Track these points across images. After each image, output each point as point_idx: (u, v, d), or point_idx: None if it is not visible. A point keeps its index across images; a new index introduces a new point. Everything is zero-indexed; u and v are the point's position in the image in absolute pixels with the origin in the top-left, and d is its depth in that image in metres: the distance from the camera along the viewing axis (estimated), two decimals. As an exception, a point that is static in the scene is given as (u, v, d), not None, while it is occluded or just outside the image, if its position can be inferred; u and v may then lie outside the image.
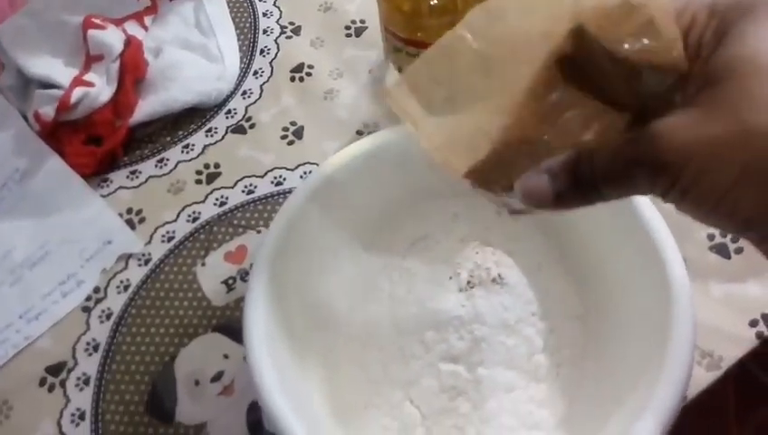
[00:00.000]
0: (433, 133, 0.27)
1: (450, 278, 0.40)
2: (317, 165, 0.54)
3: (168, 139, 0.58)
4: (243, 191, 0.54)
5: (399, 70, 0.50)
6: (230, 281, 0.49)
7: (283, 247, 0.40)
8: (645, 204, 0.37)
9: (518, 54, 0.25)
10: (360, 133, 0.56)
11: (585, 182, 0.24)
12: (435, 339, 0.39)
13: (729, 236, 0.46)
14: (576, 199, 0.25)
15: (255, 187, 0.54)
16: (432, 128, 0.27)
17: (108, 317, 0.48)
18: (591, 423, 0.36)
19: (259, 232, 0.51)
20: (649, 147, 0.22)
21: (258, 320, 0.37)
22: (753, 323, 0.42)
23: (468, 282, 0.40)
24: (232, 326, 0.46)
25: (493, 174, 0.27)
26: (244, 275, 0.49)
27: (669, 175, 0.22)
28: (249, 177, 0.54)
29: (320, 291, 0.42)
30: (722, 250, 0.45)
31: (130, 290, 0.50)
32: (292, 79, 0.60)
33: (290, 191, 0.53)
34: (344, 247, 0.44)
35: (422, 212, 0.45)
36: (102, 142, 0.56)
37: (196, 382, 0.44)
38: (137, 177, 0.56)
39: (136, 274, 0.50)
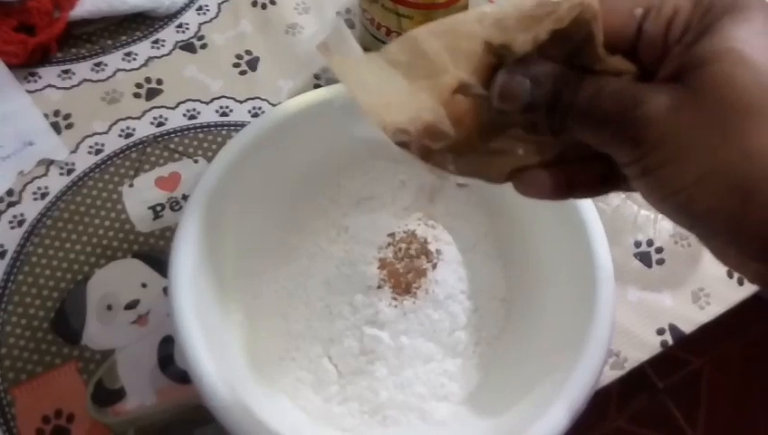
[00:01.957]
0: (367, 81, 0.26)
1: (388, 246, 0.40)
2: (268, 102, 0.52)
3: (110, 42, 0.54)
4: (184, 115, 0.51)
5: (371, 21, 0.48)
6: (158, 208, 0.46)
7: (224, 187, 0.38)
8: (586, 203, 0.38)
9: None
10: (317, 78, 0.53)
11: (561, 106, 0.23)
12: (364, 303, 0.39)
13: (654, 247, 0.48)
14: (542, 119, 0.24)
15: (199, 113, 0.51)
16: (366, 77, 0.26)
17: (20, 224, 0.45)
18: (499, 402, 0.37)
19: (196, 161, 0.48)
20: (633, 113, 0.21)
21: (187, 255, 0.35)
22: (660, 332, 0.45)
23: (405, 252, 0.40)
24: (154, 255, 0.44)
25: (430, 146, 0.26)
26: (174, 205, 0.46)
27: (639, 149, 0.21)
28: (193, 100, 0.51)
29: (255, 238, 0.41)
30: (645, 258, 0.48)
31: (48, 199, 0.46)
32: (254, 4, 0.57)
33: (235, 124, 0.51)
34: (287, 197, 0.43)
35: (371, 173, 0.44)
36: (36, 33, 0.51)
37: (109, 307, 0.43)
38: (69, 78, 0.52)
39: (56, 182, 0.47)
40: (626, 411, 1.04)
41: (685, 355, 1.09)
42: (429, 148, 0.25)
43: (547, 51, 0.23)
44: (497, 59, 0.24)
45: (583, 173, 0.26)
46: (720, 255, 0.23)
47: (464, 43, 0.24)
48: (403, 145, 0.25)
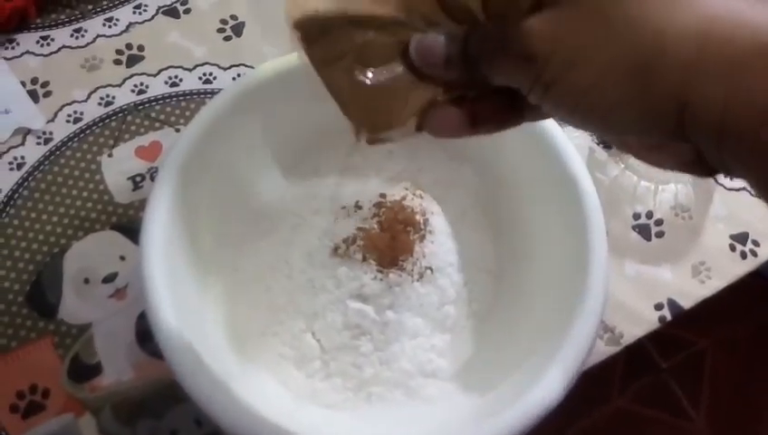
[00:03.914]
0: None
1: (374, 217, 0.38)
2: (253, 69, 0.50)
3: (90, 7, 0.52)
4: (166, 82, 0.49)
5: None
6: (138, 178, 0.45)
7: (199, 153, 0.36)
8: (583, 174, 0.37)
9: None
10: (304, 43, 0.51)
11: (470, 57, 0.24)
12: (348, 276, 0.37)
13: (653, 219, 0.46)
14: (462, 72, 0.25)
15: (181, 80, 0.49)
16: None
17: (-6, 195, 0.44)
18: (489, 378, 0.36)
19: (178, 130, 0.47)
20: (516, 36, 0.22)
21: (159, 225, 0.34)
22: (659, 307, 0.43)
23: (391, 223, 0.38)
24: (133, 227, 0.43)
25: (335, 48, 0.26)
26: (154, 175, 0.45)
27: (534, 67, 0.22)
28: (176, 67, 0.50)
29: (234, 207, 0.40)
30: (644, 231, 0.46)
31: (24, 169, 0.45)
32: (240, -33, 0.55)
33: (218, 92, 0.49)
34: (267, 164, 0.41)
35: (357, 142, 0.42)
36: (12, -3, 0.49)
37: (86, 280, 0.41)
38: (48, 44, 0.50)
39: (33, 152, 0.45)
40: (629, 392, 1.03)
41: (689, 335, 1.08)
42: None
43: None
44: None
45: (487, 108, 0.26)
46: (648, 154, 0.24)
47: None
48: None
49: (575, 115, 0.22)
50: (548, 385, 0.31)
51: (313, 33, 0.26)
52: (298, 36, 0.26)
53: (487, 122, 0.26)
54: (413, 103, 0.26)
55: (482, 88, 0.25)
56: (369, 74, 0.26)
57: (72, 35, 0.51)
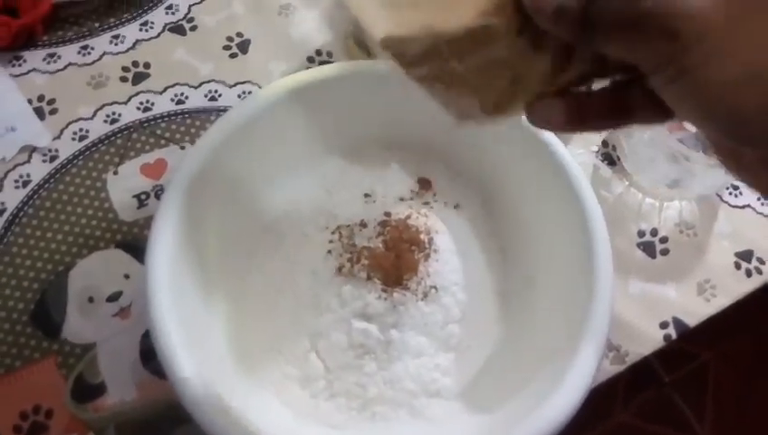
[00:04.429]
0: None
1: (378, 235, 0.38)
2: (259, 86, 0.50)
3: (97, 25, 0.52)
4: (172, 100, 0.49)
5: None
6: (143, 196, 0.45)
7: (205, 172, 0.36)
8: (587, 192, 0.37)
9: None
10: (311, 60, 0.52)
11: (592, 14, 0.21)
12: (353, 295, 0.37)
13: (658, 236, 0.46)
14: (571, 28, 0.21)
15: (187, 97, 0.49)
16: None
17: (0, 213, 0.44)
18: (494, 397, 0.36)
19: (183, 148, 0.47)
20: (668, 6, 0.19)
21: (165, 243, 0.34)
22: (664, 325, 0.43)
23: (396, 241, 0.38)
24: (138, 245, 0.43)
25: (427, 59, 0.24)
26: (159, 193, 0.45)
27: (672, 45, 0.19)
28: (181, 85, 0.50)
29: (240, 225, 0.40)
30: (648, 248, 0.46)
31: (30, 187, 0.45)
32: (246, -15, 0.55)
33: (224, 109, 0.49)
34: (273, 182, 0.41)
35: (362, 159, 0.42)
36: (20, 14, 0.50)
37: (90, 299, 0.41)
38: (55, 61, 0.50)
39: (38, 170, 0.46)
40: (632, 405, 1.02)
41: (692, 349, 1.07)
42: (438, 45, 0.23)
43: None
44: None
45: (594, 103, 0.24)
46: (762, 172, 0.21)
47: None
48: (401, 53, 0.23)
49: (703, 112, 0.20)
50: (555, 406, 0.31)
51: (405, 55, 0.24)
52: (388, 55, 0.24)
53: (594, 119, 0.24)
54: (514, 96, 0.25)
55: (585, 61, 0.23)
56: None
57: (78, 52, 0.51)
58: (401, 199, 0.42)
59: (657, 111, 0.22)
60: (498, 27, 0.22)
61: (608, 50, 0.21)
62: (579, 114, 0.24)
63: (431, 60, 0.24)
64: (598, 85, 0.25)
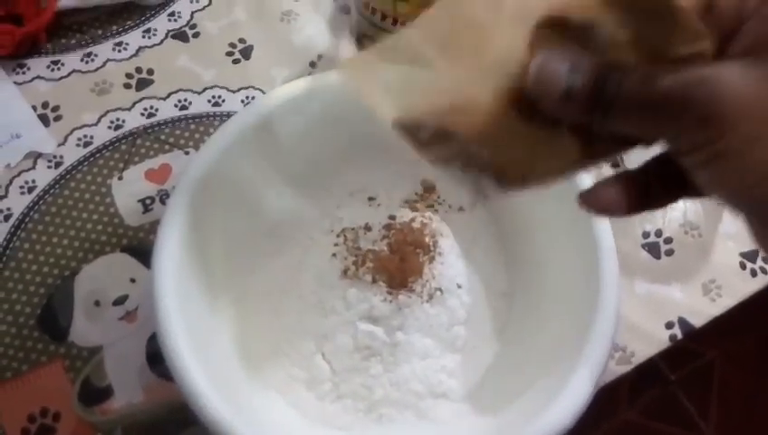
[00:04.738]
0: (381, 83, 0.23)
1: (383, 238, 0.38)
2: (261, 91, 0.50)
3: (100, 32, 0.53)
4: (175, 105, 0.49)
5: (366, 6, 0.47)
6: (148, 201, 0.45)
7: (211, 177, 0.36)
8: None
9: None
10: (313, 65, 0.52)
11: (604, 96, 0.20)
12: (358, 298, 0.37)
13: (663, 237, 0.46)
14: (581, 111, 0.20)
15: (190, 103, 0.49)
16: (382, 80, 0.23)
17: (6, 218, 0.44)
18: (500, 399, 0.36)
19: (187, 153, 0.47)
20: (698, 89, 0.18)
21: (171, 247, 0.34)
22: (669, 326, 0.43)
23: (401, 244, 0.38)
24: (143, 249, 0.43)
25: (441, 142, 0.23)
26: (164, 197, 0.45)
27: (710, 131, 0.18)
28: (185, 90, 0.50)
29: (246, 228, 0.40)
30: (653, 249, 0.46)
31: (35, 193, 0.45)
32: (248, -9, 0.55)
33: (227, 114, 0.49)
34: (279, 186, 0.41)
35: (366, 163, 0.42)
36: (23, 23, 0.50)
37: (97, 303, 0.41)
38: (59, 68, 0.51)
39: (44, 176, 0.46)
40: (637, 404, 1.02)
41: (697, 347, 1.07)
42: (450, 131, 0.22)
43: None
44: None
45: (650, 181, 0.23)
46: None
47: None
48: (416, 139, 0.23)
49: (743, 197, 0.19)
50: (560, 407, 0.31)
51: (416, 135, 0.23)
52: (401, 134, 0.23)
53: (655, 198, 0.23)
54: (537, 169, 0.24)
55: (590, 137, 0.22)
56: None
57: (82, 60, 0.51)
58: (406, 202, 0.42)
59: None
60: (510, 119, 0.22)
61: (628, 132, 0.20)
62: (637, 195, 0.23)
63: (444, 141, 0.23)
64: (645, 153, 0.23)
